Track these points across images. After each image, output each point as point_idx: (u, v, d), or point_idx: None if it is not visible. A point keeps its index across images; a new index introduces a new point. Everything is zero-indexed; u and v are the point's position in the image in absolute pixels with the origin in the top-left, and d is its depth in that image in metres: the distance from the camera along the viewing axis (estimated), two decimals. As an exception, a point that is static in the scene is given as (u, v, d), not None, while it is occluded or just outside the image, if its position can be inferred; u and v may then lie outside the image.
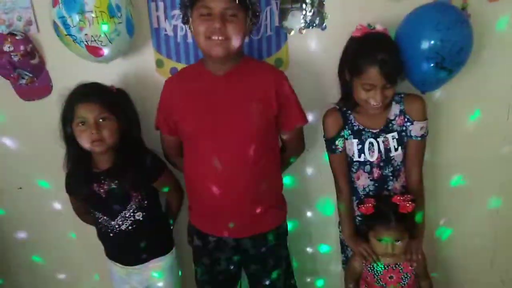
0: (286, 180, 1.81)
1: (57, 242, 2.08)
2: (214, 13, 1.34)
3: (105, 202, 1.60)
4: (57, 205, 2.00)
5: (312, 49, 1.71)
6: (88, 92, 1.51)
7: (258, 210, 1.54)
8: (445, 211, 1.92)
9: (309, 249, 2.03)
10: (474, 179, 1.85)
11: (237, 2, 1.34)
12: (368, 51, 1.44)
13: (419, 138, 1.57)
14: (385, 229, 1.51)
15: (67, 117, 1.52)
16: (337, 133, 1.59)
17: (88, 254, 2.03)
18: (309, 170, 1.89)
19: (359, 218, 1.68)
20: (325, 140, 1.64)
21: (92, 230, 1.75)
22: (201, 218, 1.63)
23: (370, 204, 1.53)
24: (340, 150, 1.61)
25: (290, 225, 1.76)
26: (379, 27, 1.53)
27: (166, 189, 1.71)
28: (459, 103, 1.75)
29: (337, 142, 1.60)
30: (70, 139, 1.55)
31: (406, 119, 1.56)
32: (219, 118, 1.46)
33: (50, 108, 1.80)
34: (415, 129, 1.56)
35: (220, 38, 1.36)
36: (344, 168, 1.65)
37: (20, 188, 2.01)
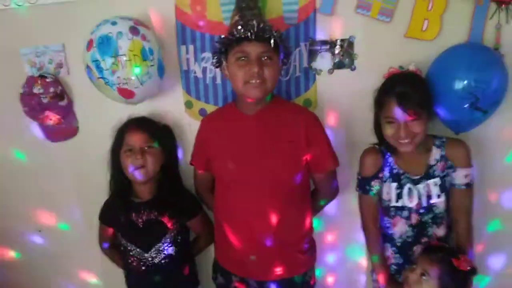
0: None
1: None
2: (251, 58, 1.37)
3: (141, 232, 1.62)
4: (76, 248, 1.95)
5: (341, 89, 1.69)
6: (137, 123, 1.61)
7: (285, 253, 1.50)
8: (481, 257, 1.82)
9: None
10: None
11: (272, 46, 1.37)
12: (389, 84, 1.45)
13: (463, 187, 1.49)
14: (429, 260, 1.41)
15: (117, 145, 1.61)
16: (374, 174, 1.54)
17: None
18: (338, 213, 1.83)
19: (395, 267, 1.60)
20: (359, 179, 1.58)
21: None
22: (227, 256, 1.60)
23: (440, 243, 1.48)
24: (374, 191, 1.55)
25: (317, 272, 1.68)
26: (411, 68, 1.52)
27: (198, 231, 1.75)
28: (495, 144, 1.70)
29: (372, 183, 1.55)
30: (116, 167, 1.61)
31: (448, 165, 1.51)
32: (250, 157, 1.47)
33: (75, 149, 1.81)
34: (459, 176, 1.49)
35: (258, 81, 1.38)
36: (374, 211, 1.59)
37: (40, 231, 1.96)
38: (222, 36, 1.43)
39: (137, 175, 1.56)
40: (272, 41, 1.37)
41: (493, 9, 1.56)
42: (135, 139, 1.56)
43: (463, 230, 1.52)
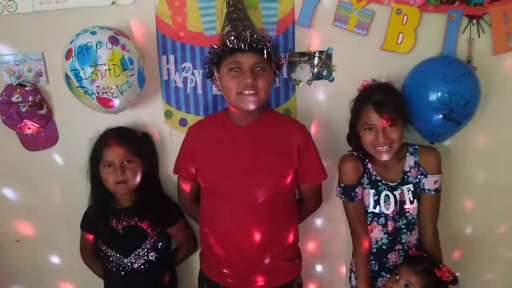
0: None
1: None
2: (244, 68, 1.37)
3: (121, 238, 1.63)
4: (55, 259, 1.93)
5: (320, 99, 1.73)
6: (115, 137, 1.60)
7: (272, 263, 1.49)
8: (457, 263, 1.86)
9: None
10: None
11: (265, 56, 1.37)
12: (365, 94, 1.51)
13: (432, 192, 1.54)
14: (413, 272, 1.44)
15: (95, 159, 1.61)
16: (357, 180, 1.56)
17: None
18: (318, 222, 1.85)
19: (371, 273, 1.62)
20: (342, 187, 1.59)
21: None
22: (213, 267, 1.58)
23: (419, 252, 1.52)
24: (359, 197, 1.57)
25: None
26: (383, 80, 1.60)
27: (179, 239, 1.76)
28: (469, 153, 1.75)
29: (357, 190, 1.56)
30: (96, 179, 1.62)
31: (420, 172, 1.55)
32: (239, 168, 1.45)
33: (55, 158, 1.80)
34: (429, 182, 1.54)
35: (251, 92, 1.37)
36: (363, 217, 1.60)
37: (18, 241, 1.93)
38: (215, 46, 1.41)
39: (119, 189, 1.59)
40: (265, 51, 1.37)
41: (465, 24, 1.62)
42: (114, 154, 1.56)
43: (432, 235, 1.57)
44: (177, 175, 1.65)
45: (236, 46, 1.34)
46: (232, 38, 1.35)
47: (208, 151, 1.51)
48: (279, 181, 1.46)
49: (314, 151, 1.53)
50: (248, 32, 1.36)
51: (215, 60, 1.41)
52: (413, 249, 1.57)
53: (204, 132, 1.55)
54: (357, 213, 1.58)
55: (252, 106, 1.39)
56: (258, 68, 1.38)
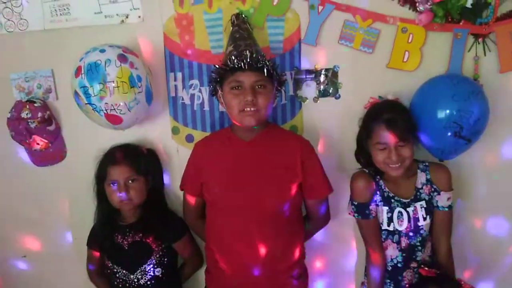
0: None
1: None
2: (245, 87, 1.41)
3: (126, 254, 1.63)
4: (62, 275, 1.92)
5: (326, 117, 1.73)
6: (119, 155, 1.61)
7: (278, 280, 1.49)
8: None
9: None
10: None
11: (265, 74, 1.41)
12: (375, 112, 1.51)
13: (446, 209, 1.54)
14: None
15: (100, 176, 1.63)
16: (370, 198, 1.55)
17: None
18: (326, 239, 1.83)
19: None
20: (355, 205, 1.57)
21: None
22: (219, 284, 1.57)
23: (433, 270, 1.49)
24: (374, 215, 1.56)
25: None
26: (390, 97, 1.59)
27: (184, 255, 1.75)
28: (478, 171, 1.74)
29: (371, 207, 1.55)
30: (101, 196, 1.64)
31: (433, 189, 1.55)
32: (245, 184, 1.47)
33: (63, 173, 1.81)
34: (442, 199, 1.54)
35: (252, 109, 1.41)
36: (378, 234, 1.58)
37: (24, 256, 1.93)
38: (217, 66, 1.46)
39: (123, 207, 1.61)
40: (265, 70, 1.41)
41: (471, 42, 1.62)
42: (119, 173, 1.57)
43: (447, 251, 1.57)
44: (182, 190, 1.66)
45: (236, 66, 1.39)
46: (233, 57, 1.40)
47: (214, 166, 1.52)
48: (284, 194, 1.47)
49: (318, 165, 1.54)
50: (248, 51, 1.41)
51: (218, 79, 1.45)
52: (424, 267, 1.53)
53: (210, 148, 1.58)
54: (372, 230, 1.58)
55: (253, 122, 1.43)
56: (259, 86, 1.42)
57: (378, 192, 1.56)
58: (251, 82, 1.40)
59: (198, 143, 1.63)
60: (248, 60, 1.39)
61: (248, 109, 1.41)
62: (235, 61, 1.39)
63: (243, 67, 1.39)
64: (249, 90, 1.40)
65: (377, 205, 1.56)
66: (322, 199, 1.59)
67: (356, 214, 1.58)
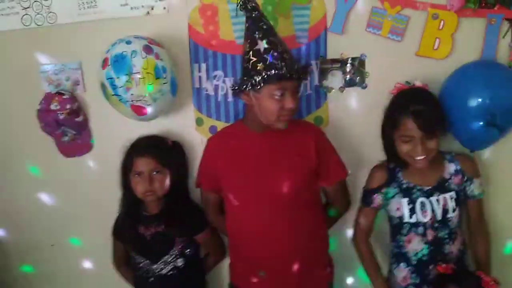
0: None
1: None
2: (287, 94, 1.37)
3: (149, 245, 1.65)
4: (87, 264, 1.97)
5: (353, 107, 1.69)
6: (145, 146, 1.62)
7: (302, 270, 1.49)
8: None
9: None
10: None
11: (301, 80, 1.43)
12: (402, 103, 1.46)
13: (481, 196, 1.55)
14: None
15: (126, 167, 1.64)
16: (378, 187, 1.55)
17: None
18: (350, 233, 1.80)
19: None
20: (363, 190, 1.60)
21: None
22: (243, 277, 1.58)
23: (449, 266, 1.45)
24: (374, 205, 1.56)
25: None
26: (417, 83, 1.53)
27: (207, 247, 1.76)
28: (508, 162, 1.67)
29: (374, 196, 1.55)
30: (126, 186, 1.65)
31: (465, 178, 1.52)
32: (261, 174, 1.47)
33: (90, 164, 1.84)
34: (476, 186, 1.53)
35: (290, 114, 1.41)
36: (370, 225, 1.60)
37: (53, 245, 1.99)
38: (260, 69, 1.35)
39: (147, 198, 1.62)
40: (302, 79, 1.42)
41: (505, 28, 1.55)
42: (144, 165, 1.58)
43: (484, 248, 1.58)
44: (199, 188, 1.67)
45: (287, 75, 1.35)
46: (282, 64, 1.34)
47: (230, 159, 1.53)
48: (301, 178, 1.47)
49: (332, 150, 1.55)
50: (293, 60, 1.39)
51: (261, 83, 1.35)
52: (441, 263, 1.47)
53: (223, 142, 1.58)
54: (366, 220, 1.59)
55: (285, 126, 1.43)
56: (296, 91, 1.42)
57: (392, 185, 1.54)
58: (293, 89, 1.39)
59: (211, 138, 1.64)
60: (296, 70, 1.37)
61: (285, 114, 1.39)
62: (285, 69, 1.33)
63: (293, 76, 1.36)
64: (292, 97, 1.37)
65: (392, 197, 1.54)
66: (339, 183, 1.59)
67: (360, 200, 1.60)
